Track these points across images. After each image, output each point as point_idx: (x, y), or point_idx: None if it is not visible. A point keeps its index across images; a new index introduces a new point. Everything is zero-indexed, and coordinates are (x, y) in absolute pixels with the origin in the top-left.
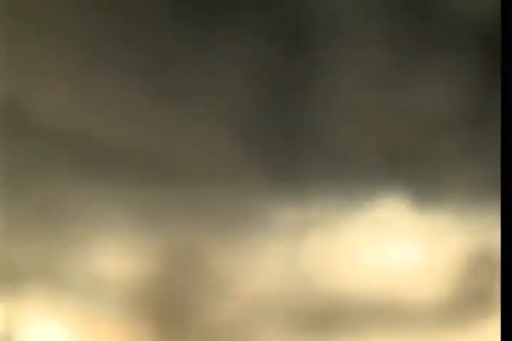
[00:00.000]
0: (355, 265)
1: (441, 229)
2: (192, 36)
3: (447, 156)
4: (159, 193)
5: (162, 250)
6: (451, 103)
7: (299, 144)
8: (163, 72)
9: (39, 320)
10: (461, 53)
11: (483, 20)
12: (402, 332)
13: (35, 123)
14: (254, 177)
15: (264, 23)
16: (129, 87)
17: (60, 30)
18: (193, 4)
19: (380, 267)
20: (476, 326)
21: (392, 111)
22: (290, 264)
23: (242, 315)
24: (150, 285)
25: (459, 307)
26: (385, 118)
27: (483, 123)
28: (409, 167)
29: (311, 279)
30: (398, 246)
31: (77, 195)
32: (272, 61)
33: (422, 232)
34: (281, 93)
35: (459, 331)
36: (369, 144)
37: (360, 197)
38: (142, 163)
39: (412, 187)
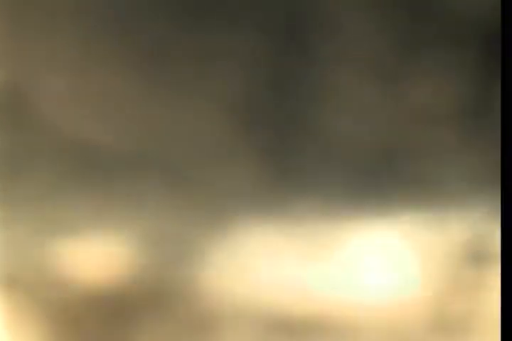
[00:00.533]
0: (348, 256)
1: (440, 221)
2: (190, 30)
3: (447, 149)
4: (148, 183)
5: (145, 238)
6: (452, 100)
7: (296, 139)
8: (161, 63)
9: None
10: (462, 50)
11: (483, 17)
12: (396, 328)
13: (35, 115)
14: (246, 170)
15: (262, 15)
16: (128, 79)
17: (60, 22)
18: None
19: (375, 261)
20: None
21: (392, 107)
22: (279, 262)
23: (219, 309)
24: (129, 271)
25: (456, 304)
26: (384, 114)
27: (483, 117)
28: (408, 160)
29: (299, 272)
30: (395, 239)
31: (71, 181)
32: (270, 57)
33: (420, 224)
34: (279, 89)
35: (457, 331)
36: (367, 138)
37: (356, 190)
38: (134, 152)
39: (411, 180)
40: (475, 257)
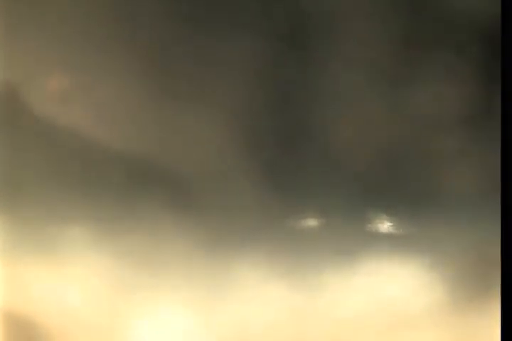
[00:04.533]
0: (353, 269)
1: (440, 231)
2: (191, 36)
3: (446, 156)
4: (149, 193)
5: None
6: (451, 103)
7: (296, 144)
8: (163, 67)
9: None
10: (461, 52)
11: (483, 18)
12: (397, 335)
13: (32, 114)
14: (246, 179)
15: (262, 22)
16: (128, 82)
17: (60, 21)
18: (192, 3)
19: (376, 271)
20: (476, 327)
21: (391, 110)
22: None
23: None
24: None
25: (458, 310)
26: (383, 118)
27: (483, 123)
28: (406, 169)
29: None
30: (396, 249)
31: (66, 184)
32: (271, 62)
33: (419, 235)
34: (280, 94)
35: (458, 332)
36: (366, 144)
37: (356, 201)
38: (135, 160)
39: (409, 188)
40: (477, 268)
